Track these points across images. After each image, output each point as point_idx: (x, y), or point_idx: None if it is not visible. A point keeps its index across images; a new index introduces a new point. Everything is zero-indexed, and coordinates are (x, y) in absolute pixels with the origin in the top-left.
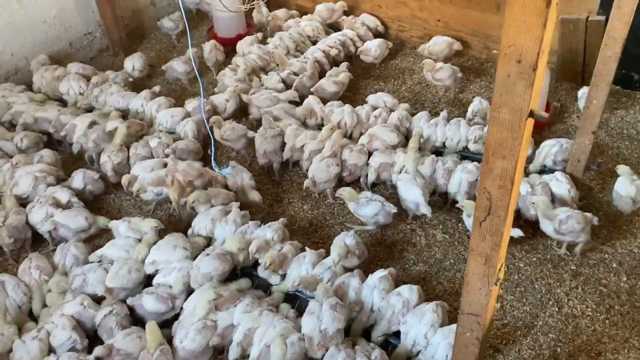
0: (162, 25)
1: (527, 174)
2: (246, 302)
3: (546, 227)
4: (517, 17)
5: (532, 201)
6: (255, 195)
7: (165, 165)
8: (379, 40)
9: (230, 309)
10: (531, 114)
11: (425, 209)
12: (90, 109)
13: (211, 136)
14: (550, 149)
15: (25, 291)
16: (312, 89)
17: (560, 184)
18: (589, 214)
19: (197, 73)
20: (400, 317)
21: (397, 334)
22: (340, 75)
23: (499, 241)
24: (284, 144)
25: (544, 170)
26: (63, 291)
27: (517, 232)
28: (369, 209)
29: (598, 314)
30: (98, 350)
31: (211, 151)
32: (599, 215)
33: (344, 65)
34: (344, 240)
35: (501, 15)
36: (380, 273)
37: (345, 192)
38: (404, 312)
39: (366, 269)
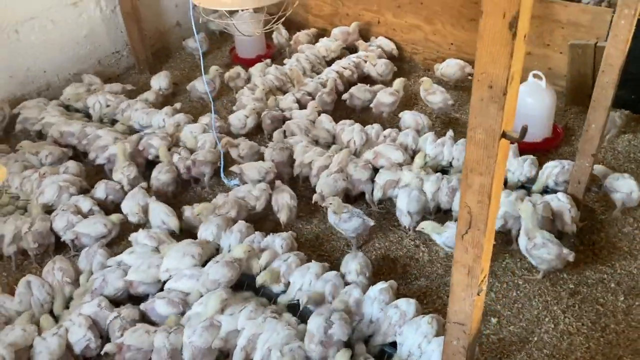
0: (187, 45)
1: (529, 194)
2: (250, 308)
3: (521, 241)
4: (488, 48)
5: (519, 207)
6: (284, 216)
7: None
8: (384, 60)
9: (234, 314)
10: (504, 135)
11: (405, 219)
12: (113, 124)
13: (220, 149)
14: (552, 170)
15: (49, 291)
16: (371, 105)
17: (561, 204)
18: (566, 250)
19: (208, 94)
20: (397, 329)
21: (393, 344)
22: (395, 83)
23: (480, 253)
24: (291, 158)
25: (546, 191)
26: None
27: None
28: (351, 224)
29: (593, 332)
30: (107, 347)
31: (220, 164)
32: (599, 237)
33: (400, 81)
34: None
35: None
36: (380, 285)
37: (334, 202)
38: (401, 324)
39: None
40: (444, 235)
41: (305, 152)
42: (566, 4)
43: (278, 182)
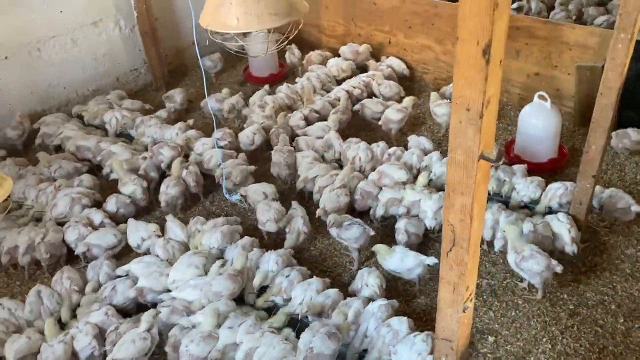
0: (203, 63)
1: (532, 214)
2: (249, 323)
3: (510, 257)
4: (464, 73)
5: (503, 229)
6: (290, 241)
7: None
8: (391, 82)
9: (234, 327)
10: (482, 156)
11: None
12: (128, 139)
13: (222, 164)
14: (556, 191)
15: (58, 300)
16: (380, 122)
17: (561, 224)
18: (554, 261)
19: (212, 114)
20: (391, 348)
21: None
22: (405, 101)
23: (464, 270)
24: (295, 162)
25: (550, 212)
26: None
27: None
28: (351, 232)
29: (591, 353)
30: None
31: (222, 179)
32: (602, 258)
33: (410, 99)
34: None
35: (521, 61)
36: (381, 301)
37: (332, 217)
38: (394, 342)
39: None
40: (389, 261)
41: (310, 167)
42: (574, 26)
43: (295, 204)
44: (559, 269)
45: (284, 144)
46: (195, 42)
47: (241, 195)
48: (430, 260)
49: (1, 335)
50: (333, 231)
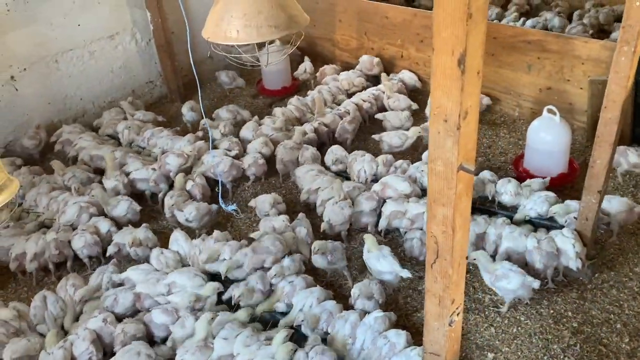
0: (219, 77)
1: (535, 229)
2: (246, 334)
3: (486, 278)
4: (440, 83)
5: (472, 257)
6: (304, 251)
7: None
8: (402, 96)
9: (229, 339)
10: (461, 167)
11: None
12: (139, 150)
13: (218, 175)
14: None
15: (62, 307)
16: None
17: (565, 239)
18: (530, 278)
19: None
20: None
21: None
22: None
23: (449, 283)
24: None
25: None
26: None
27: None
28: (336, 255)
29: None
30: None
31: (218, 189)
32: (609, 275)
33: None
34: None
35: (533, 75)
36: (376, 314)
37: (315, 244)
38: (390, 355)
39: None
40: (368, 254)
41: (314, 179)
42: (586, 40)
43: (301, 215)
44: (535, 284)
45: (296, 139)
46: (190, 50)
47: (246, 206)
48: (404, 273)
49: (2, 338)
50: (317, 258)
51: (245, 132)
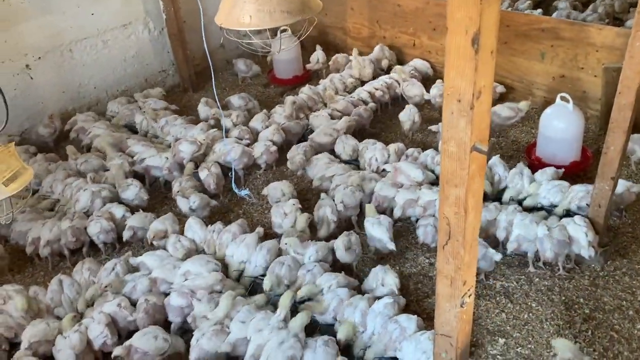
0: (236, 64)
1: (548, 217)
2: (259, 317)
3: None
4: (454, 63)
5: None
6: (324, 231)
7: None
8: (416, 81)
9: (246, 322)
10: (474, 148)
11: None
12: (155, 137)
13: (232, 159)
14: (577, 193)
15: (78, 290)
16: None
17: (577, 227)
18: (492, 251)
19: (222, 115)
20: (397, 345)
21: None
22: (521, 102)
23: (460, 264)
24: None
25: (568, 214)
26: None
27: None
28: (310, 250)
29: (604, 359)
30: (117, 350)
31: (231, 174)
32: (622, 263)
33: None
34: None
35: (546, 63)
36: (386, 300)
37: (288, 240)
38: (400, 340)
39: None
40: (367, 220)
41: (328, 167)
42: (601, 27)
43: (323, 195)
44: (497, 257)
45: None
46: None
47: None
48: (391, 245)
49: (22, 321)
50: (343, 254)
51: (255, 123)
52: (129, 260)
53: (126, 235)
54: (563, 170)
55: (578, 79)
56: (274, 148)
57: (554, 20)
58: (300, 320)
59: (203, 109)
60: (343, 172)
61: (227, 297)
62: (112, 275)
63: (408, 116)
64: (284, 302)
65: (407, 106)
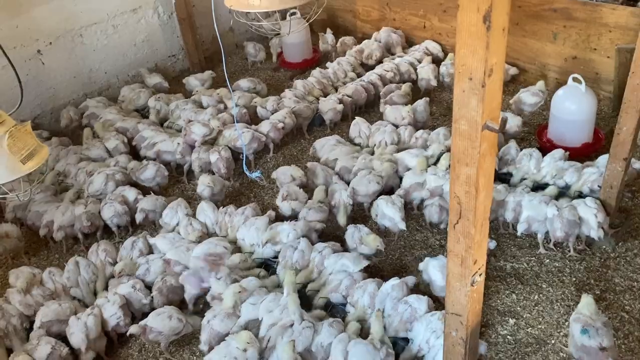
0: (246, 47)
1: (557, 197)
2: (269, 299)
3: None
4: (465, 41)
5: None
6: (342, 219)
7: None
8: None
9: (257, 304)
10: (486, 126)
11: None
12: (165, 121)
13: (242, 143)
14: (590, 176)
15: (94, 271)
16: (510, 102)
17: (588, 209)
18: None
19: (234, 101)
20: (408, 325)
21: (407, 339)
22: (538, 83)
23: (471, 243)
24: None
25: (580, 196)
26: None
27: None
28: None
29: (615, 339)
30: (133, 329)
31: (243, 156)
32: (633, 244)
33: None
34: None
35: (558, 44)
36: (393, 281)
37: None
38: (411, 320)
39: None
40: (382, 197)
41: (332, 149)
42: (614, 7)
43: (336, 178)
44: (402, 225)
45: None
46: (214, 21)
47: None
48: (402, 225)
49: (39, 299)
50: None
51: (268, 104)
52: (146, 238)
53: (139, 217)
54: (568, 153)
55: (591, 60)
56: (280, 125)
57: (566, 0)
58: (286, 279)
59: (205, 99)
60: (347, 155)
61: (230, 290)
62: (136, 252)
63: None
64: (288, 280)
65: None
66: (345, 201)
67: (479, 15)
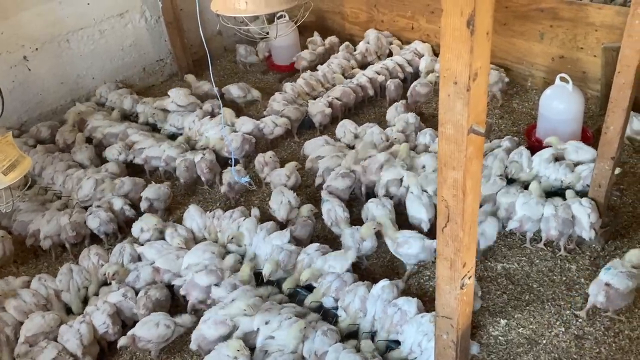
0: (238, 49)
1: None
2: (266, 308)
3: (389, 244)
4: (450, 45)
5: (378, 221)
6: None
7: None
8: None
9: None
10: (472, 130)
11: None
12: (154, 127)
13: (231, 148)
14: (582, 173)
15: (87, 276)
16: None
17: (581, 208)
18: (429, 241)
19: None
20: (398, 328)
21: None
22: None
23: (460, 246)
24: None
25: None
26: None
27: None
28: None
29: (605, 337)
30: (122, 341)
31: (231, 161)
32: (622, 242)
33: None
34: None
35: (545, 43)
36: (383, 282)
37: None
38: (401, 323)
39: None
40: (411, 193)
41: (318, 147)
42: (600, 7)
43: (324, 193)
44: (435, 244)
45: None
46: (200, 25)
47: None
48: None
49: (33, 308)
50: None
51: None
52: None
53: (143, 205)
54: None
55: (578, 59)
56: (281, 120)
57: (552, 0)
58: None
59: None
60: (332, 154)
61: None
62: (126, 257)
63: None
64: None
65: None
66: (342, 216)
67: (462, 20)
